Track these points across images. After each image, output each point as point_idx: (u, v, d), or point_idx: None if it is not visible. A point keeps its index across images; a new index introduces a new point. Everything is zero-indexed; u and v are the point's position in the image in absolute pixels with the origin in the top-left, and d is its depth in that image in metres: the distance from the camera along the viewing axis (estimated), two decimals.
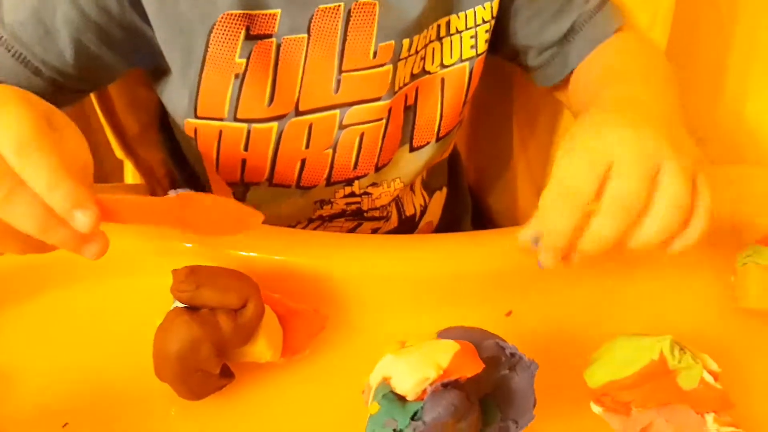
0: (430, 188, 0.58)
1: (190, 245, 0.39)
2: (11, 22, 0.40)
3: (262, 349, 0.34)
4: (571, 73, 0.51)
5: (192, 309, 0.33)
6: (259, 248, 0.39)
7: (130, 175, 0.61)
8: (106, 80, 0.47)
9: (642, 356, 0.32)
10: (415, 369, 0.28)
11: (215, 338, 0.32)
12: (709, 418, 0.32)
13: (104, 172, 0.60)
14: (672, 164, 0.31)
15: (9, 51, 0.40)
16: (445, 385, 0.28)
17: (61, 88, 0.42)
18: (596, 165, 0.31)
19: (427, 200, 0.58)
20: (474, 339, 0.30)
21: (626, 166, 0.31)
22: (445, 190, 0.61)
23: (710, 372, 0.32)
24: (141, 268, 0.39)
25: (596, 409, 0.33)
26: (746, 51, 0.66)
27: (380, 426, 0.28)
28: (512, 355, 0.31)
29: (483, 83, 0.54)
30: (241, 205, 0.35)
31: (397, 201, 0.55)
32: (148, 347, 0.33)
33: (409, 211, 0.56)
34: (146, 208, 0.31)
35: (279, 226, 0.43)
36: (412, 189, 0.56)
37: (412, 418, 0.28)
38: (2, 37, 0.40)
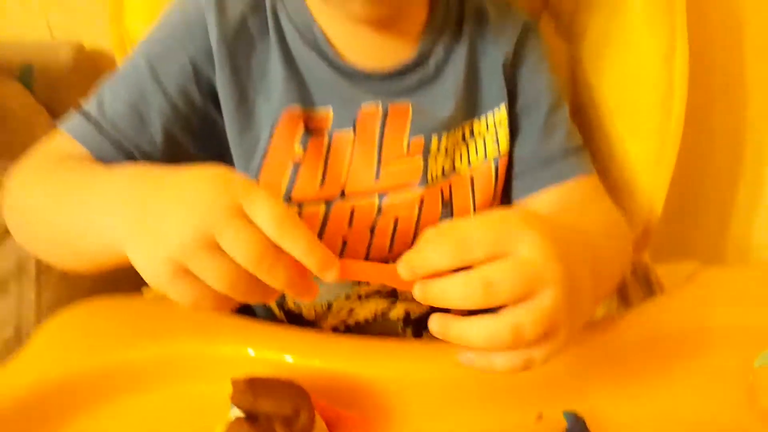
0: None
1: (253, 352, 0.44)
2: (111, 113, 0.48)
3: None
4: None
5: (250, 417, 0.36)
6: (307, 355, 0.43)
7: None
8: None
9: None
10: None
11: None
12: None
13: None
14: (549, 305, 0.34)
15: (108, 139, 0.47)
16: None
17: None
18: (499, 244, 0.34)
19: None
20: None
21: (520, 267, 0.34)
22: None
23: None
24: (200, 374, 0.43)
25: None
26: None
27: None
28: None
29: None
30: None
31: None
32: None
33: None
34: (371, 271, 0.38)
35: (326, 332, 0.47)
36: None
37: None
38: (105, 128, 0.47)
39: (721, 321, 0.48)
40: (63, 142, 0.49)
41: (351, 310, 0.56)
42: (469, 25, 0.55)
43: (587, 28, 0.64)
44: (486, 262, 0.34)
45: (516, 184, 0.57)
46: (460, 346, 0.36)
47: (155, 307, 0.49)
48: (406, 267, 0.36)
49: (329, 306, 0.55)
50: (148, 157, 0.48)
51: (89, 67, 0.91)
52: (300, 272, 0.34)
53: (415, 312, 0.58)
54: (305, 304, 0.55)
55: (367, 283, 0.55)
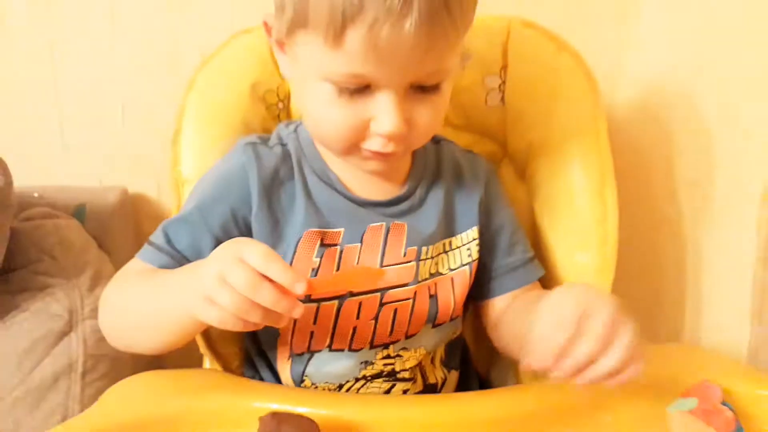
0: (448, 366, 0.76)
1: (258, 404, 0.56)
2: (180, 247, 0.64)
3: None
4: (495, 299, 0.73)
5: None
6: (318, 406, 0.55)
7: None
8: None
9: None
10: None
11: None
12: None
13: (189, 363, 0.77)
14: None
15: (179, 265, 0.62)
16: None
17: None
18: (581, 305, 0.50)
19: (446, 375, 0.75)
20: None
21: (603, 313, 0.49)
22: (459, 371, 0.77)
23: None
24: (234, 423, 0.54)
25: None
26: None
27: None
28: None
29: None
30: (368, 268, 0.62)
31: (421, 368, 0.72)
32: None
33: (431, 380, 0.73)
34: (330, 282, 0.55)
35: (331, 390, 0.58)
36: (433, 362, 0.73)
37: None
38: (176, 257, 0.63)
39: (639, 384, 0.58)
40: (141, 265, 0.64)
41: (358, 391, 0.69)
42: (447, 172, 0.73)
43: (536, 171, 0.81)
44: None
45: (492, 286, 0.74)
46: None
47: (200, 375, 0.61)
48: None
49: (340, 386, 0.68)
50: None
51: (131, 207, 1.08)
52: (283, 294, 0.49)
53: (412, 391, 0.71)
54: (319, 383, 0.68)
55: (372, 366, 0.68)
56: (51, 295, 0.87)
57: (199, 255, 0.63)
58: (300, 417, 0.50)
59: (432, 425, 0.55)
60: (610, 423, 0.57)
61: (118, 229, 1.04)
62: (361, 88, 0.57)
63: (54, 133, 1.07)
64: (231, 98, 0.79)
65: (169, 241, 0.64)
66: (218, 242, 0.63)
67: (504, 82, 0.83)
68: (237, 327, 0.50)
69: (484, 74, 0.83)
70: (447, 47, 0.56)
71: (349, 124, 0.59)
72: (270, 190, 0.66)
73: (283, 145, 0.70)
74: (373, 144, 0.60)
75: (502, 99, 0.83)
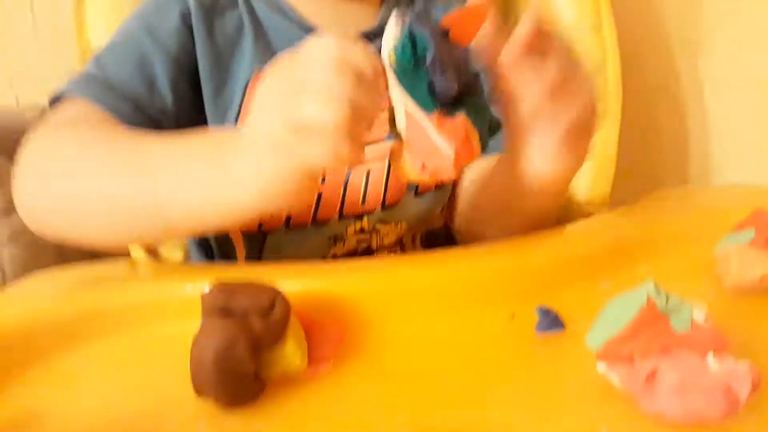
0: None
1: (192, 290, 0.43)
2: (121, 77, 0.49)
3: (291, 349, 0.36)
4: None
5: (224, 313, 0.35)
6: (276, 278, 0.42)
7: None
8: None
9: (632, 306, 0.35)
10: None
11: (249, 337, 0.34)
12: (710, 357, 0.34)
13: None
14: None
15: (123, 99, 0.48)
16: None
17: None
18: None
19: None
20: None
21: None
22: None
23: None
24: (165, 315, 0.42)
25: (601, 366, 0.35)
26: None
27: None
28: None
29: None
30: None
31: (403, 249, 0.61)
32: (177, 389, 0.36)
33: None
34: None
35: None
36: (414, 243, 0.62)
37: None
38: (118, 88, 0.48)
39: (678, 226, 0.50)
40: (76, 107, 0.48)
41: None
42: None
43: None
44: None
45: None
46: None
47: (119, 266, 0.49)
48: None
49: None
50: (165, 120, 0.50)
51: None
52: None
53: None
54: None
55: (343, 243, 0.57)
56: None
57: (152, 89, 0.50)
58: (258, 286, 0.38)
59: (413, 289, 0.44)
60: (644, 273, 0.46)
61: None
62: None
63: None
64: None
65: (105, 73, 0.49)
66: (178, 66, 0.51)
67: None
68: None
69: None
70: None
71: None
72: (211, 14, 0.53)
73: None
74: None
75: None
